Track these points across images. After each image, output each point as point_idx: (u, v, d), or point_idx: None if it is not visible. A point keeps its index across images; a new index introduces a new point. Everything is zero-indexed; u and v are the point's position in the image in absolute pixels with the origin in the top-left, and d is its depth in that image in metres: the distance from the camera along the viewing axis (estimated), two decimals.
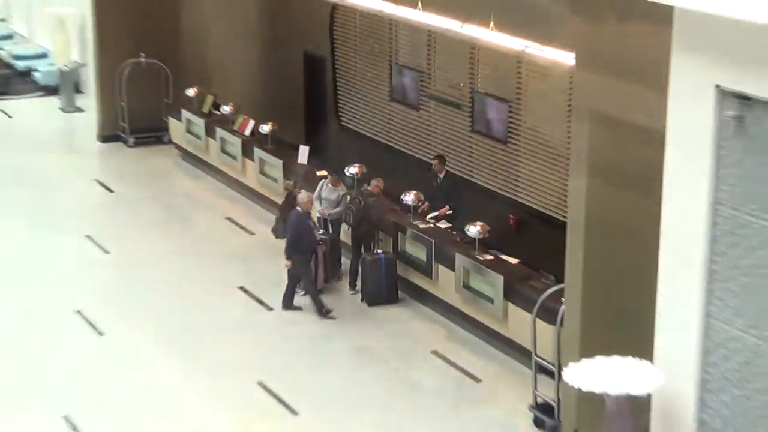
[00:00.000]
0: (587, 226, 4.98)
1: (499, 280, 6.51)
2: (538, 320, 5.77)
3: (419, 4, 7.40)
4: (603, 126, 4.87)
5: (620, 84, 4.73)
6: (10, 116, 12.67)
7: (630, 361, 4.24)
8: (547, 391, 5.72)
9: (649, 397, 4.25)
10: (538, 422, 5.83)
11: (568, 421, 5.30)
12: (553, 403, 5.60)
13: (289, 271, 7.45)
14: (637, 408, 4.26)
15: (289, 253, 7.37)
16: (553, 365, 5.54)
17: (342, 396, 6.22)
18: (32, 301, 7.50)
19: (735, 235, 3.74)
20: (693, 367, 4.02)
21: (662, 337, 4.21)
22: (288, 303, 7.48)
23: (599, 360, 4.30)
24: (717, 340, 3.95)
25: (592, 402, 4.42)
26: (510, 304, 6.46)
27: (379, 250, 7.67)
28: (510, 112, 7.89)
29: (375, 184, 7.83)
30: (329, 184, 8.07)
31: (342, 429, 5.86)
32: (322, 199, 8.02)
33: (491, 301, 6.64)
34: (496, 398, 6.29)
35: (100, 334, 7.07)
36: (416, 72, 9.11)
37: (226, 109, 10.32)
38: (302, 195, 7.63)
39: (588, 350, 4.66)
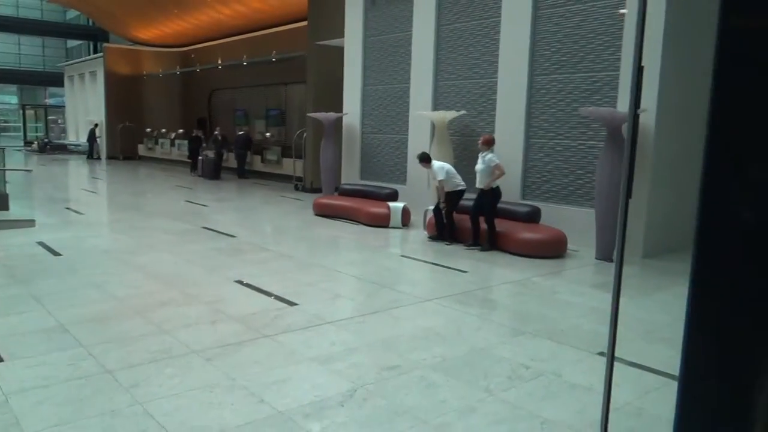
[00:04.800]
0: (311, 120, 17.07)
1: (278, 149, 18.08)
2: (297, 160, 17.15)
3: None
4: (320, 98, 17.13)
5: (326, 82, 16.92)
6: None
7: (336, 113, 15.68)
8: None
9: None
10: (296, 187, 16.78)
11: (307, 180, 16.42)
12: (302, 177, 16.77)
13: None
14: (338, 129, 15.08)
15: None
16: (302, 176, 16.77)
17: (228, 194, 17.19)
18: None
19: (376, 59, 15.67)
20: (359, 110, 14.92)
21: (349, 105, 15.16)
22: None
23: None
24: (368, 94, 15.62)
25: (317, 174, 15.64)
26: (282, 157, 17.96)
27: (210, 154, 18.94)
28: (282, 113, 20.06)
29: (217, 133, 19.42)
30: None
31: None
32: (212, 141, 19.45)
33: (277, 159, 18.09)
34: (281, 187, 17.30)
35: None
36: (242, 110, 21.54)
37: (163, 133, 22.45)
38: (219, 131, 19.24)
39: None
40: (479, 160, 8.60)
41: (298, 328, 5.35)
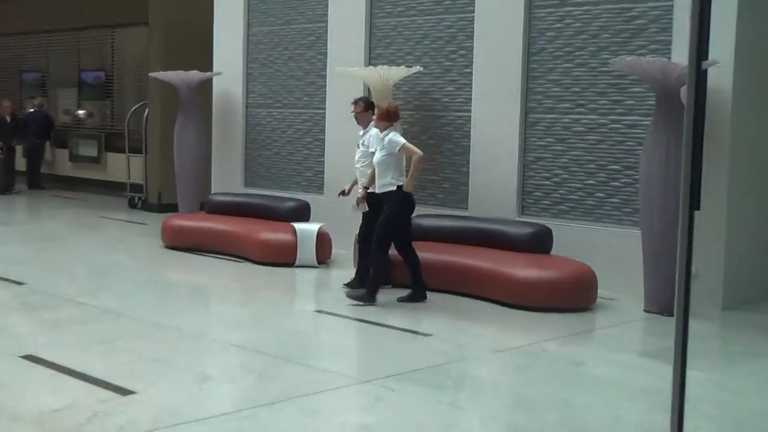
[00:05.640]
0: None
1: (99, 138, 17.79)
2: (133, 155, 16.59)
3: None
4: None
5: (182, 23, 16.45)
6: None
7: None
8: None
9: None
10: (132, 202, 16.23)
11: (152, 187, 15.96)
12: (143, 185, 16.31)
13: None
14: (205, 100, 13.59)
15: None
16: (142, 183, 16.25)
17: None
18: None
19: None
20: (242, 69, 13.22)
21: (223, 60, 13.21)
22: None
23: None
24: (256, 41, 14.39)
25: (169, 179, 14.90)
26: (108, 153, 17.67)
27: None
28: (107, 76, 19.73)
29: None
30: None
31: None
32: None
33: (98, 155, 17.77)
34: (105, 201, 16.89)
35: None
36: (35, 72, 21.47)
37: None
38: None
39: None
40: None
41: None
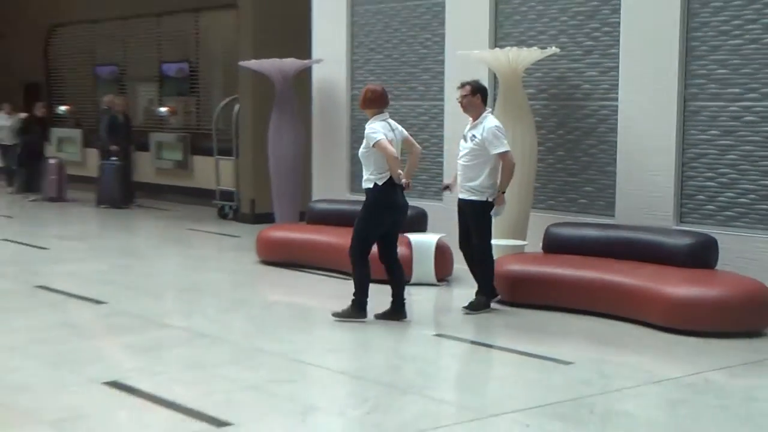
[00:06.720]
0: None
1: (184, 140, 18.41)
2: (222, 159, 16.78)
3: None
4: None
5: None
6: None
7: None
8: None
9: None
10: (223, 212, 16.66)
11: (245, 195, 16.25)
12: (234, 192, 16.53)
13: None
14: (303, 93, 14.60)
15: None
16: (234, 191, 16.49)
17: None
18: None
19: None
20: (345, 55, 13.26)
21: (324, 44, 13.67)
22: None
23: None
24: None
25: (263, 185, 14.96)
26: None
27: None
28: (191, 68, 20.19)
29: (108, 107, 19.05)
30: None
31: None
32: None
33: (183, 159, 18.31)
34: (192, 212, 17.19)
35: None
36: (109, 67, 22.54)
37: None
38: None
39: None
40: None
41: None
